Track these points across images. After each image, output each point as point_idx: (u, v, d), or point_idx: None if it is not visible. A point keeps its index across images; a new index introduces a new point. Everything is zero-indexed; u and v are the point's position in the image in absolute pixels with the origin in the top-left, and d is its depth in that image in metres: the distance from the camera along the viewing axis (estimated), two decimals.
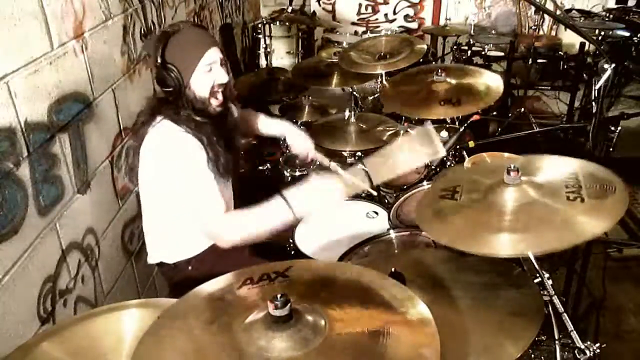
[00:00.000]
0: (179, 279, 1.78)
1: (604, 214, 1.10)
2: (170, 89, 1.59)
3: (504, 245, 1.12)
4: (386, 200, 2.19)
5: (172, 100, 1.61)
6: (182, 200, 1.60)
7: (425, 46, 2.58)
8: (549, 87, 4.18)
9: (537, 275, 1.27)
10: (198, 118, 1.60)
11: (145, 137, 1.61)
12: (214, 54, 1.61)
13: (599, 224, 1.08)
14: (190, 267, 1.75)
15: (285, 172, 2.58)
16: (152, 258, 1.82)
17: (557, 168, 1.30)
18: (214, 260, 1.71)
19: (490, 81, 2.06)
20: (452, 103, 1.96)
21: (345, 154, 2.50)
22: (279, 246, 1.88)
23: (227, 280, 1.08)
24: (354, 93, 3.00)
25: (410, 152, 1.65)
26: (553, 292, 1.25)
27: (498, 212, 1.19)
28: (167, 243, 1.78)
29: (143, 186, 1.71)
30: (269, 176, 2.73)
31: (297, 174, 2.57)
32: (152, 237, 1.81)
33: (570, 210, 1.13)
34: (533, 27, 4.85)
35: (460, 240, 1.17)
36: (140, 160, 1.64)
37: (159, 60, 1.56)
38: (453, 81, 2.12)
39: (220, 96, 1.66)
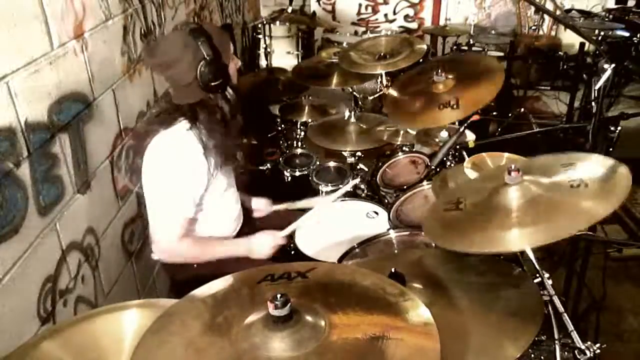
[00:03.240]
0: (183, 277, 1.78)
1: (610, 194, 1.10)
2: (219, 82, 1.57)
3: (516, 240, 1.11)
4: (386, 200, 2.19)
5: (205, 100, 1.61)
6: (149, 202, 1.64)
7: (425, 46, 2.57)
8: (549, 87, 4.19)
9: (537, 275, 1.27)
10: (217, 120, 1.62)
11: (160, 134, 1.60)
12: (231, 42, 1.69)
13: (607, 204, 1.07)
14: (195, 266, 1.75)
15: (285, 172, 2.58)
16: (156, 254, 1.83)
17: (555, 163, 1.30)
18: (218, 264, 1.71)
19: (490, 63, 2.04)
20: (450, 106, 1.95)
21: (345, 154, 2.50)
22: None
23: (229, 281, 1.08)
24: (354, 93, 3.00)
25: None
26: (553, 292, 1.25)
27: (505, 211, 1.19)
28: None
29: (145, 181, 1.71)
30: (269, 176, 2.73)
31: (297, 174, 2.57)
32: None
33: (576, 197, 1.13)
34: (533, 27, 4.85)
35: (473, 244, 1.17)
36: (148, 154, 1.62)
37: (210, 54, 1.52)
38: (452, 76, 2.09)
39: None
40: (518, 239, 1.12)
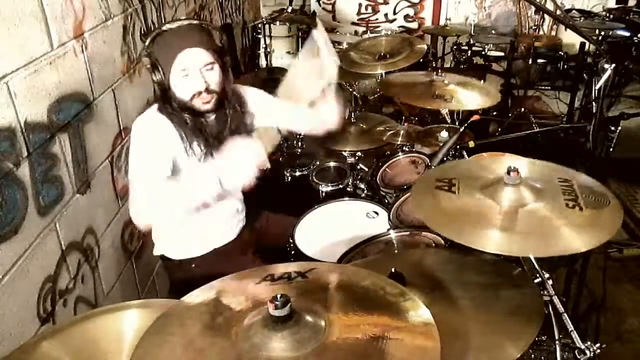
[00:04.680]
0: (182, 277, 1.78)
1: (599, 230, 1.11)
2: (156, 84, 1.57)
3: (491, 241, 1.11)
4: (386, 200, 2.19)
5: (162, 93, 1.59)
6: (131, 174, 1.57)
7: (425, 46, 2.58)
8: (549, 87, 4.18)
9: (537, 275, 1.27)
10: (185, 115, 1.58)
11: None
12: (190, 57, 1.51)
13: (591, 240, 1.09)
14: (194, 266, 1.75)
15: (285, 172, 2.58)
16: (157, 250, 1.83)
17: (552, 174, 1.31)
18: (217, 260, 1.72)
19: (486, 92, 2.10)
20: (444, 99, 2.00)
21: (345, 154, 2.50)
22: (279, 247, 1.88)
23: (228, 281, 1.08)
24: (354, 93, 3.00)
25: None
26: (553, 292, 1.25)
27: (493, 209, 1.20)
28: (172, 240, 1.78)
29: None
30: (269, 176, 2.73)
31: (297, 174, 2.57)
32: (157, 231, 1.81)
33: (566, 219, 1.14)
34: (533, 27, 4.85)
35: (451, 231, 1.17)
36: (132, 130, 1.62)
37: (146, 52, 1.53)
38: (452, 86, 2.14)
39: (206, 98, 1.56)
40: (493, 241, 1.12)
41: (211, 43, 1.57)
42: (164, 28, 1.55)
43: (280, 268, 1.09)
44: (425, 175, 1.45)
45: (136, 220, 1.57)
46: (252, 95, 1.81)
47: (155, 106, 1.63)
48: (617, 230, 1.11)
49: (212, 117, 1.66)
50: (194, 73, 1.53)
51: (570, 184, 1.26)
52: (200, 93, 1.55)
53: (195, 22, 1.58)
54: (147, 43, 1.55)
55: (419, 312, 0.94)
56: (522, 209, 1.19)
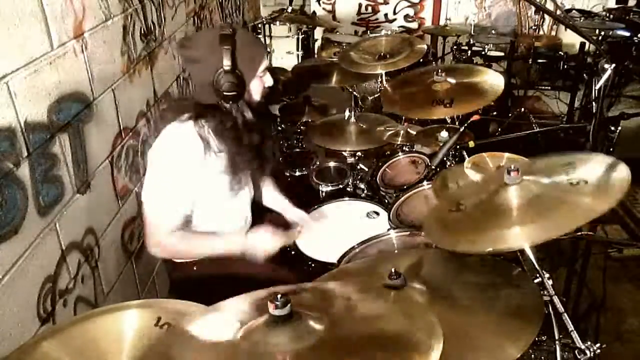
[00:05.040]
0: (183, 277, 1.77)
1: (610, 190, 1.10)
2: (232, 93, 1.58)
3: (516, 237, 1.11)
4: (386, 200, 2.19)
5: (220, 105, 1.61)
6: (145, 194, 1.60)
7: (425, 46, 2.58)
8: (549, 87, 4.18)
9: (537, 275, 1.27)
10: (227, 127, 1.61)
11: (166, 130, 1.59)
12: (266, 60, 1.70)
13: (606, 200, 1.07)
14: (195, 268, 1.75)
15: (285, 172, 2.58)
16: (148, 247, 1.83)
17: (556, 164, 1.30)
18: (218, 264, 1.70)
19: (491, 80, 2.08)
20: (444, 104, 2.00)
21: (345, 154, 2.50)
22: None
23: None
24: (354, 93, 3.00)
25: None
26: (553, 292, 1.24)
27: (505, 210, 1.19)
28: None
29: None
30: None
31: (297, 174, 2.57)
32: None
33: (575, 194, 1.13)
34: (533, 27, 4.85)
35: (474, 244, 1.17)
36: (153, 147, 1.61)
37: (228, 64, 1.53)
38: (453, 81, 2.13)
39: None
40: (519, 237, 1.11)
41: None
42: (228, 33, 1.55)
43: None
44: (433, 209, 1.46)
45: (151, 250, 1.65)
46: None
47: (190, 124, 1.58)
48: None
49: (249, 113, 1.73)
50: (267, 72, 1.72)
51: (574, 167, 1.25)
52: (265, 88, 1.73)
53: (245, 27, 1.65)
54: (225, 50, 1.52)
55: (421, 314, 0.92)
56: (529, 201, 1.18)
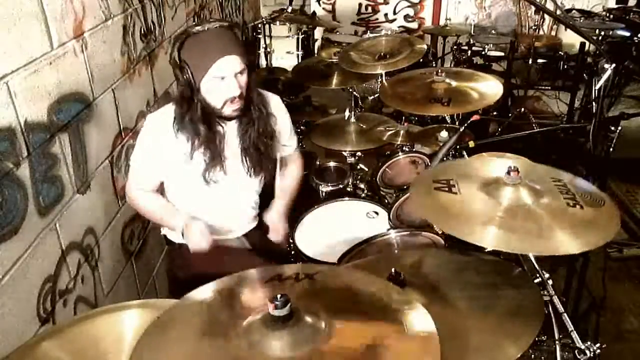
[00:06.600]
0: (182, 277, 1.78)
1: (597, 231, 1.11)
2: (182, 87, 1.59)
3: (489, 238, 1.11)
4: (386, 200, 2.19)
5: (185, 97, 1.61)
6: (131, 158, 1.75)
7: (425, 46, 2.57)
8: (549, 87, 4.18)
9: (537, 275, 1.27)
10: (201, 127, 1.61)
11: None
12: (227, 65, 1.52)
13: (588, 242, 1.09)
14: (195, 268, 1.74)
15: None
16: (163, 229, 1.88)
17: (546, 175, 1.31)
18: (216, 253, 1.71)
19: (488, 88, 2.09)
20: (441, 103, 2.00)
21: (345, 154, 2.50)
22: (278, 246, 1.88)
23: (232, 281, 1.08)
24: (354, 93, 3.00)
25: None
26: (553, 292, 1.25)
27: (492, 207, 1.19)
28: None
29: None
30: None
31: None
32: None
33: (564, 219, 1.14)
34: (533, 27, 4.85)
35: (452, 226, 1.17)
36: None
37: (175, 56, 1.56)
38: (453, 83, 2.13)
39: (237, 103, 1.59)
40: (491, 238, 1.11)
41: (243, 48, 1.60)
42: (195, 30, 1.55)
43: (289, 269, 1.09)
44: (421, 176, 1.44)
45: (128, 200, 1.81)
46: (273, 99, 1.83)
47: (171, 107, 1.66)
48: (617, 230, 1.11)
49: (235, 124, 1.69)
50: (229, 80, 1.55)
51: (564, 184, 1.26)
52: (234, 99, 1.58)
53: (225, 24, 1.59)
54: (176, 45, 1.55)
55: (422, 321, 0.93)
56: (523, 208, 1.18)
